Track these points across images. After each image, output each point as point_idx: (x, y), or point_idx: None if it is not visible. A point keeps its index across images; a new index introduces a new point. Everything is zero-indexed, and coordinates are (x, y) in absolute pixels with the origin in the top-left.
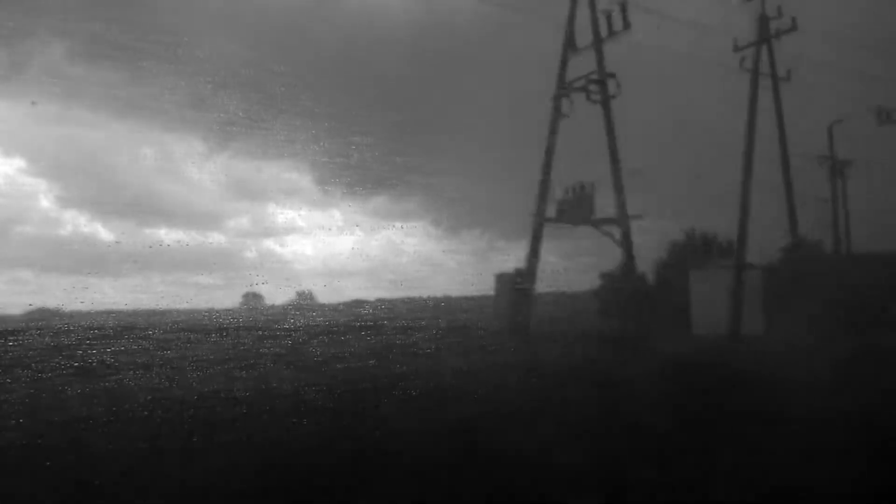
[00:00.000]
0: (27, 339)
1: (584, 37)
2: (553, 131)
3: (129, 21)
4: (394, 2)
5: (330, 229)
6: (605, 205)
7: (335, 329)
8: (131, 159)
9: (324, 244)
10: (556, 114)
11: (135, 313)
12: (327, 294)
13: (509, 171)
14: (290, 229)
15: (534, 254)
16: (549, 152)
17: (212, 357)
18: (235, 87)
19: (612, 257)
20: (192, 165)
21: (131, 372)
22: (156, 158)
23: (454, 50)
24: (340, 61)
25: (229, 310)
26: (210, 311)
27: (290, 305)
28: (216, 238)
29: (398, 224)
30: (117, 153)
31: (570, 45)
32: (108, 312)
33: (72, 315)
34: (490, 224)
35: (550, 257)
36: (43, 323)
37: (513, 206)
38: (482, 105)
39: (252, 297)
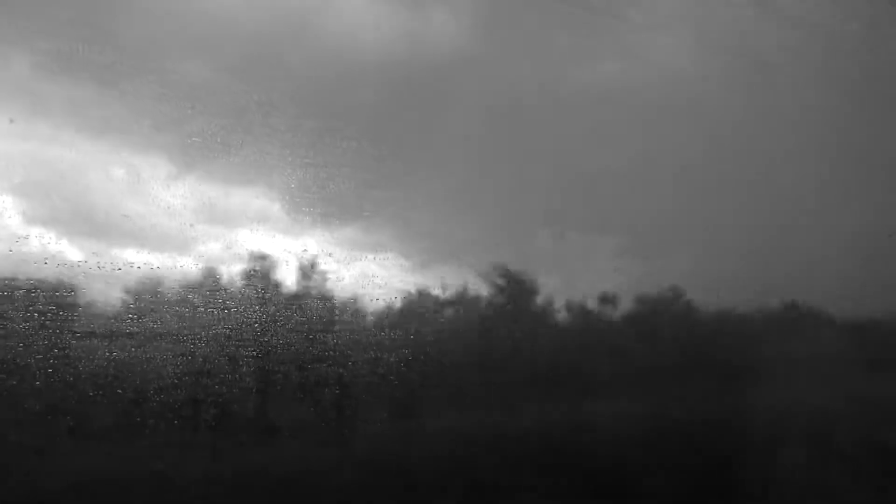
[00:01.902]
0: None
1: None
2: None
3: (95, 38)
4: (370, 34)
5: (303, 258)
6: None
7: None
8: (98, 178)
9: (296, 272)
10: None
11: None
12: None
13: (480, 208)
14: (262, 257)
15: None
16: None
17: None
18: (205, 110)
19: None
20: (160, 187)
21: None
22: (124, 178)
23: (431, 84)
24: (316, 91)
25: None
26: None
27: None
28: (186, 262)
29: (370, 255)
30: (84, 172)
31: None
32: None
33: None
34: (463, 260)
35: None
36: None
37: (486, 242)
38: (457, 141)
39: None
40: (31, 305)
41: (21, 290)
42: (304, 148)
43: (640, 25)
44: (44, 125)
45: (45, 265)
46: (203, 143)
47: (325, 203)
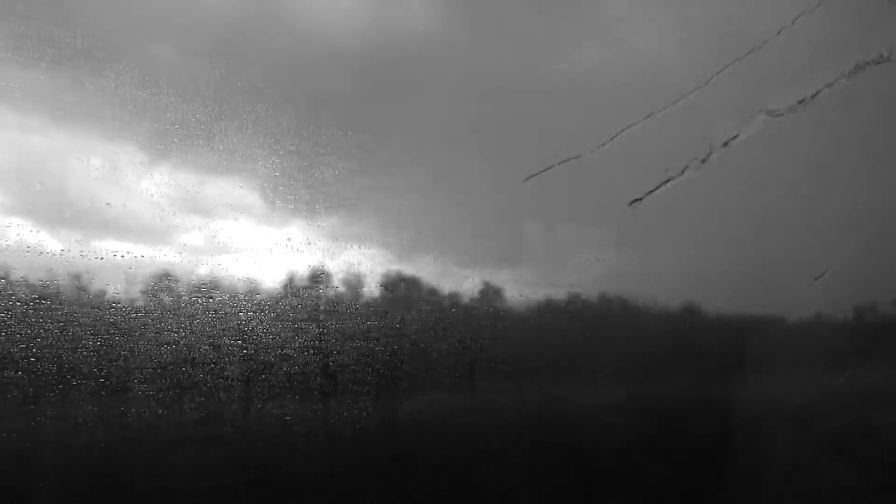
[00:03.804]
0: None
1: None
2: None
3: (59, 21)
4: (343, 21)
5: (287, 249)
6: None
7: None
8: (74, 167)
9: (280, 264)
10: None
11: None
12: None
13: (460, 197)
14: (245, 248)
15: None
16: None
17: None
18: (181, 96)
19: None
20: (136, 176)
21: None
22: (100, 167)
23: (413, 72)
24: (294, 78)
25: None
26: None
27: None
28: (168, 252)
29: (353, 245)
30: (59, 160)
31: None
32: None
33: None
34: (444, 250)
35: None
36: None
37: (465, 231)
38: (441, 129)
39: None
40: (12, 294)
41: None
42: (286, 136)
43: (623, 11)
44: (11, 112)
45: (26, 254)
46: (181, 130)
47: (308, 191)
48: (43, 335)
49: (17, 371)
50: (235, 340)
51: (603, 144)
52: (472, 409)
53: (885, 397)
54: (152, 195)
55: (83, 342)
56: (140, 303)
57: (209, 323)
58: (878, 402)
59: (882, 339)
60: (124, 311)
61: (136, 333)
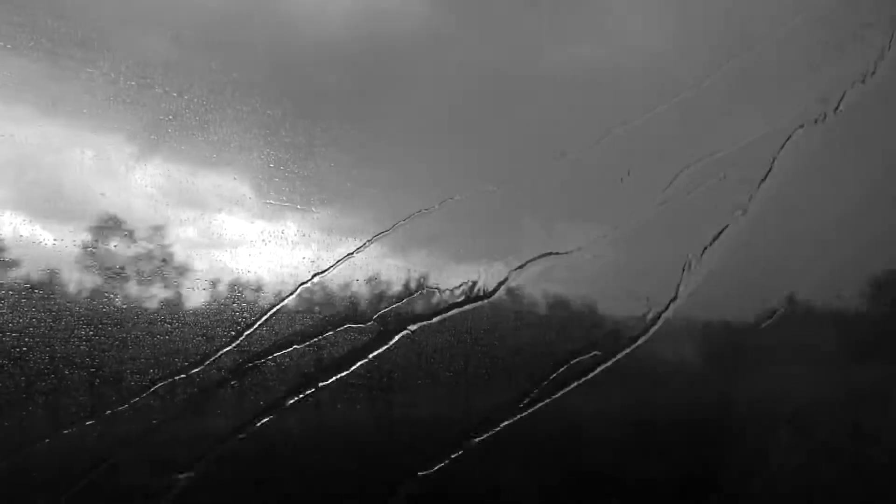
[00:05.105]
0: None
1: None
2: None
3: (53, 11)
4: (340, 12)
5: (284, 242)
6: None
7: None
8: (67, 157)
9: (277, 258)
10: None
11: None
12: None
13: (455, 191)
14: (241, 241)
15: None
16: None
17: None
18: (172, 87)
19: None
20: (127, 167)
21: None
22: (93, 157)
23: (405, 65)
24: (289, 69)
25: None
26: None
27: None
28: (162, 243)
29: (348, 238)
30: (52, 151)
31: None
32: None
33: None
34: (439, 246)
35: None
36: None
37: (462, 227)
38: (432, 122)
39: None
40: (4, 284)
41: None
42: (280, 127)
43: (621, 6)
44: (2, 101)
45: (20, 242)
46: (175, 121)
47: (303, 183)
48: (35, 325)
49: (9, 360)
50: (229, 332)
51: (601, 140)
52: (468, 408)
53: None
54: (145, 186)
55: (75, 332)
56: (132, 294)
57: (202, 314)
58: None
59: None
60: (117, 302)
61: (129, 324)
